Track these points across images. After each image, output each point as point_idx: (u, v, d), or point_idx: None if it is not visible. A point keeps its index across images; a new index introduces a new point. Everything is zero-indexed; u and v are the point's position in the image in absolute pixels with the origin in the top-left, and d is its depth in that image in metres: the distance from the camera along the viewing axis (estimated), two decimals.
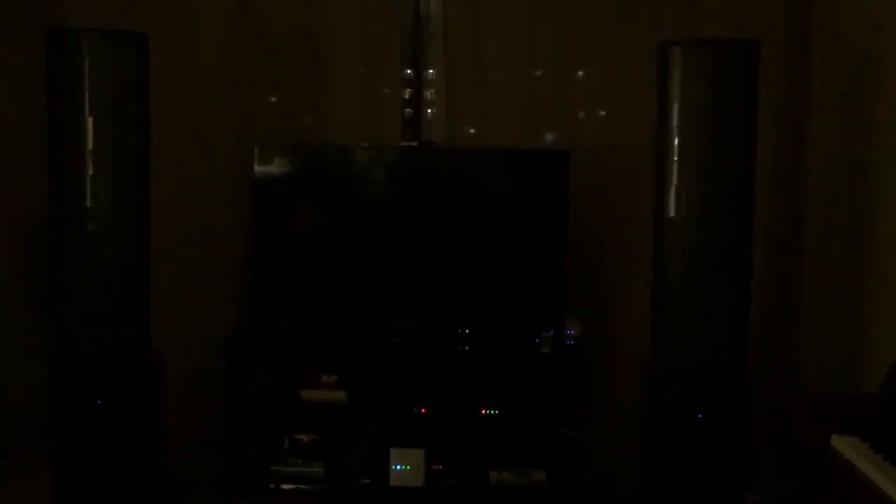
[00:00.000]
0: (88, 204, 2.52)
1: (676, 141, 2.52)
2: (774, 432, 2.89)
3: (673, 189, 2.54)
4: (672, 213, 2.54)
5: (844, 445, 1.85)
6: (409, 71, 3.39)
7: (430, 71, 3.40)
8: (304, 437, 3.05)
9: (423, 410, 3.03)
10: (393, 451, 3.00)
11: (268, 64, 3.39)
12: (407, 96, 3.39)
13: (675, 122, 2.51)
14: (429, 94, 3.40)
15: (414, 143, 3.34)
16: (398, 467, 3.00)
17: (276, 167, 3.17)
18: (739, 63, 2.46)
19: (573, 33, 3.35)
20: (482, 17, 3.36)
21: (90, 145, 2.48)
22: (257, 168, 3.13)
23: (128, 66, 2.50)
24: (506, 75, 3.37)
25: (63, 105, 2.48)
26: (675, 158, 2.53)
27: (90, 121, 2.47)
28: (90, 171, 2.49)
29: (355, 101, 3.39)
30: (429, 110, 3.41)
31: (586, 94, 3.40)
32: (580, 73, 3.38)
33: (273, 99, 3.46)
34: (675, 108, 2.51)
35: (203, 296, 3.33)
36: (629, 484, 2.83)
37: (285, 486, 3.01)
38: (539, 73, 3.39)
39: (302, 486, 3.01)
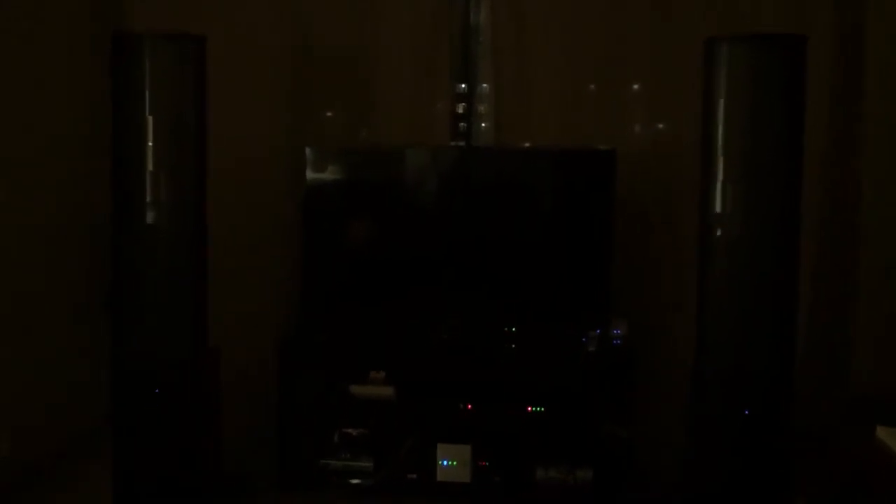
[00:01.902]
0: (148, 199, 2.61)
1: (722, 137, 2.52)
2: (822, 432, 2.86)
3: (719, 185, 2.54)
4: (718, 210, 2.53)
5: (890, 437, 1.84)
6: (463, 85, 3.45)
7: (484, 85, 3.45)
8: (352, 432, 3.10)
9: (470, 407, 3.06)
10: (440, 447, 3.03)
11: (322, 78, 3.48)
12: (461, 111, 3.45)
13: (720, 119, 2.51)
14: (482, 108, 3.46)
15: (462, 144, 3.39)
16: (445, 463, 3.03)
17: (326, 169, 3.25)
18: (786, 58, 2.45)
19: (619, 42, 3.37)
20: (528, 29, 3.41)
21: (150, 142, 2.58)
22: (309, 170, 3.22)
23: (187, 66, 2.60)
24: (554, 86, 3.41)
25: (125, 104, 2.58)
26: (721, 155, 2.52)
27: (150, 119, 2.57)
28: (150, 168, 2.59)
29: (406, 114, 3.47)
30: (483, 124, 3.47)
31: (635, 104, 3.42)
32: (628, 82, 3.40)
33: (329, 114, 3.55)
34: (721, 104, 2.51)
35: (257, 294, 3.42)
36: (675, 483, 2.82)
37: (334, 480, 3.07)
38: (590, 86, 3.42)
39: (351, 481, 3.07)
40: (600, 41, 3.38)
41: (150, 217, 2.62)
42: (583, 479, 2.99)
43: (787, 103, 2.47)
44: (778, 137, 2.48)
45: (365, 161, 3.33)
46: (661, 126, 3.41)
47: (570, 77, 3.41)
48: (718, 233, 2.55)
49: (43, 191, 3.22)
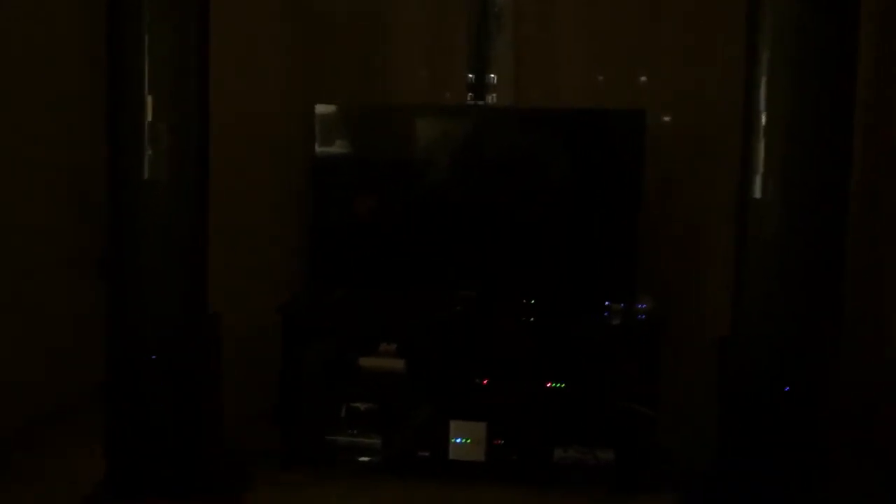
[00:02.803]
0: (147, 152, 2.45)
1: (765, 93, 2.34)
2: (861, 413, 2.71)
3: (762, 146, 2.35)
4: (760, 170, 2.35)
5: None
6: (471, 76, 3.26)
7: (492, 76, 3.27)
8: (360, 406, 2.95)
9: (486, 382, 2.91)
10: (453, 424, 2.88)
11: (333, 44, 3.33)
12: (471, 95, 3.27)
13: (763, 73, 2.33)
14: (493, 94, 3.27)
15: (480, 102, 3.22)
16: (458, 441, 2.88)
17: (337, 128, 3.08)
18: (838, 7, 2.27)
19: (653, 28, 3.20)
20: (553, 5, 3.26)
21: (148, 91, 2.41)
22: (319, 129, 3.05)
23: (189, 10, 2.43)
24: (577, 65, 3.26)
25: (122, 50, 2.42)
26: (764, 112, 2.34)
27: (149, 66, 2.39)
28: (149, 118, 2.42)
29: (420, 85, 3.33)
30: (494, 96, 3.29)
31: (665, 73, 3.24)
32: (657, 53, 3.23)
33: (333, 95, 3.34)
34: (765, 58, 2.32)
35: (263, 259, 3.28)
36: (702, 465, 2.66)
37: (341, 457, 2.92)
38: (616, 60, 3.26)
39: (358, 458, 2.92)
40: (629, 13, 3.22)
41: (147, 172, 2.45)
42: (604, 459, 2.84)
43: (837, 55, 2.29)
44: (826, 93, 2.30)
45: (378, 120, 3.16)
46: (692, 93, 3.23)
47: (595, 47, 3.26)
48: (758, 195, 2.37)
49: (40, 146, 3.07)
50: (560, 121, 3.09)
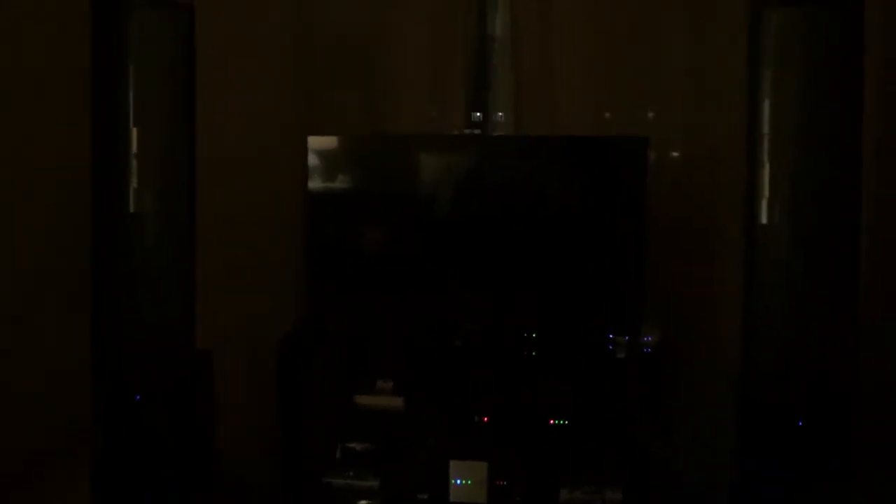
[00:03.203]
0: (133, 185, 2.38)
1: (768, 115, 2.26)
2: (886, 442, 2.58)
3: (766, 171, 2.27)
4: (766, 195, 2.27)
5: None
6: (478, 114, 3.22)
7: (499, 114, 3.24)
8: (357, 446, 2.85)
9: (486, 420, 2.81)
10: (453, 464, 2.78)
11: (328, 72, 3.30)
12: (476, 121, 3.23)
13: (767, 94, 2.25)
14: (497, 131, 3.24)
15: (477, 131, 3.16)
16: (458, 482, 2.78)
17: (331, 159, 3.01)
18: (843, 24, 2.20)
19: (652, 33, 3.14)
20: (552, 37, 3.20)
21: (133, 123, 2.35)
22: (312, 160, 2.98)
23: (175, 38, 2.39)
24: (578, 90, 3.19)
25: (106, 79, 2.36)
26: (767, 135, 2.26)
27: (133, 96, 2.34)
28: (134, 150, 2.36)
29: (419, 119, 3.27)
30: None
31: (668, 100, 3.16)
32: (661, 78, 3.15)
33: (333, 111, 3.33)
34: (768, 77, 2.25)
35: (256, 295, 3.18)
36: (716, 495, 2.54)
37: (338, 500, 2.81)
38: (619, 89, 3.19)
39: (356, 501, 2.81)
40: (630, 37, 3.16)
41: (133, 205, 2.39)
42: (612, 500, 2.72)
43: (843, 74, 2.21)
44: (833, 111, 2.22)
45: (373, 151, 3.09)
46: (695, 121, 3.16)
47: (597, 76, 3.19)
48: (764, 221, 2.28)
49: (29, 178, 2.98)
50: (562, 149, 3.02)
